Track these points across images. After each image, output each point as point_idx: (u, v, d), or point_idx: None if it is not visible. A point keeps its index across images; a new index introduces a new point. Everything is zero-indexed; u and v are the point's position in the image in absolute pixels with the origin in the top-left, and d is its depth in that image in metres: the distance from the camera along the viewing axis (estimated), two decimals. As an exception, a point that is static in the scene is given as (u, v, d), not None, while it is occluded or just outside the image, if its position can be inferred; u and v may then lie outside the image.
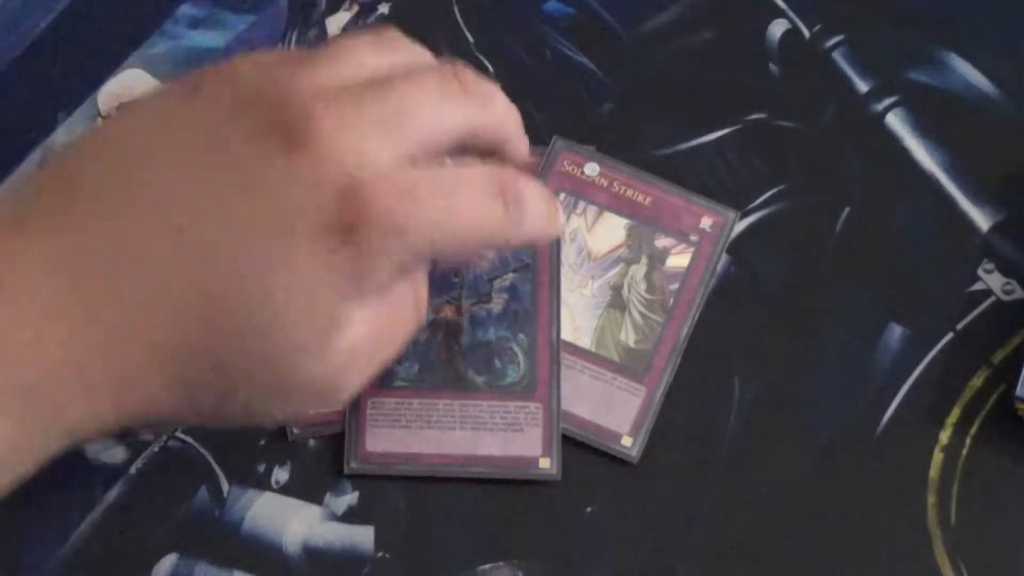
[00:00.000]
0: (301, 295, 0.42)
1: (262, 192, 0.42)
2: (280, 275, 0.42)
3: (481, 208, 0.45)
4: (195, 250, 0.42)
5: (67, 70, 0.56)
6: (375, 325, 0.45)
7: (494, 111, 0.47)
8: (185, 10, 0.57)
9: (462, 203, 0.44)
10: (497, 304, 0.51)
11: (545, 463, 0.49)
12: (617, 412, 0.50)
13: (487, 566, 0.49)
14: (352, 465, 0.49)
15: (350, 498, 0.49)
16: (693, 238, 0.53)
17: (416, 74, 0.45)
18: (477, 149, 0.48)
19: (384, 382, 0.49)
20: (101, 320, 0.42)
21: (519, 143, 0.49)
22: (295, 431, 0.51)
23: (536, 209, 0.47)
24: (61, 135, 0.55)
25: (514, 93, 0.55)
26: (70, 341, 0.42)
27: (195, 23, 0.57)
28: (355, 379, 0.46)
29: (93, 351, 0.42)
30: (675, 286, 0.52)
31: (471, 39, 0.57)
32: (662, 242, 0.53)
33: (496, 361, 0.50)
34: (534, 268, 0.52)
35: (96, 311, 0.42)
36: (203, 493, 0.49)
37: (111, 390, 0.43)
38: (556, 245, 0.53)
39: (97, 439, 0.45)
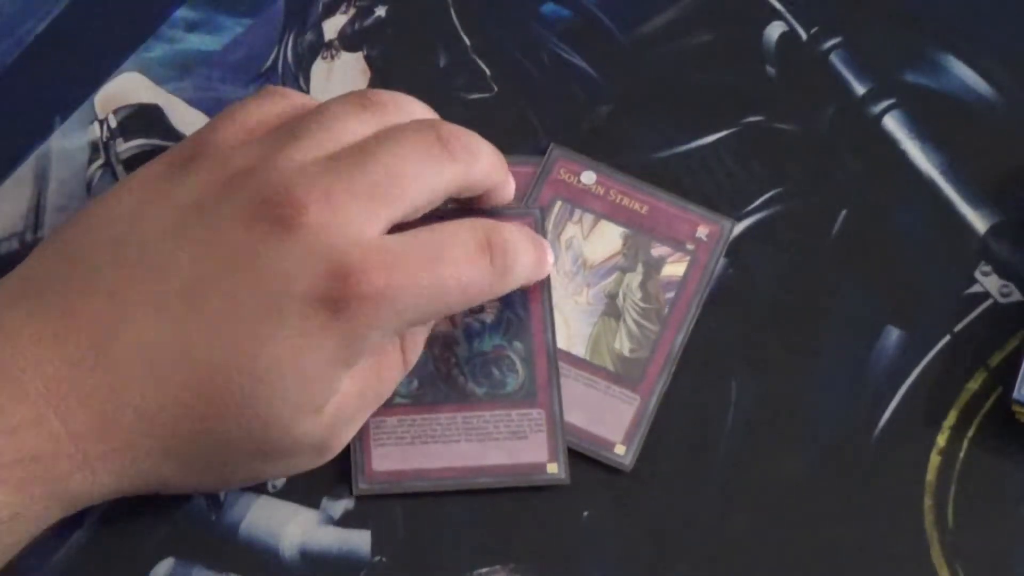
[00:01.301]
0: (293, 367, 0.43)
1: (253, 270, 0.43)
2: (272, 348, 0.43)
3: (468, 267, 0.46)
4: (186, 323, 0.43)
5: (64, 74, 0.56)
6: (364, 380, 0.46)
7: (479, 167, 0.48)
8: (182, 13, 0.57)
9: (449, 265, 0.45)
10: (490, 313, 0.51)
11: (553, 468, 0.49)
12: (611, 420, 0.50)
13: (484, 570, 0.49)
14: (360, 486, 0.49)
15: (347, 502, 0.49)
16: (689, 247, 0.53)
17: (398, 141, 0.46)
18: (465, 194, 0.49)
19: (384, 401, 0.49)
20: (95, 391, 0.43)
21: (505, 187, 0.50)
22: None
23: (524, 258, 0.48)
24: (57, 139, 0.55)
25: (511, 96, 0.56)
26: (68, 414, 0.43)
27: (192, 26, 0.57)
28: (347, 432, 0.47)
29: (89, 422, 0.43)
30: (671, 295, 0.52)
31: (468, 42, 0.57)
32: (658, 251, 0.53)
33: (495, 370, 0.50)
34: None
35: (89, 383, 0.43)
36: (200, 497, 0.49)
37: (108, 459, 0.44)
38: None
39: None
